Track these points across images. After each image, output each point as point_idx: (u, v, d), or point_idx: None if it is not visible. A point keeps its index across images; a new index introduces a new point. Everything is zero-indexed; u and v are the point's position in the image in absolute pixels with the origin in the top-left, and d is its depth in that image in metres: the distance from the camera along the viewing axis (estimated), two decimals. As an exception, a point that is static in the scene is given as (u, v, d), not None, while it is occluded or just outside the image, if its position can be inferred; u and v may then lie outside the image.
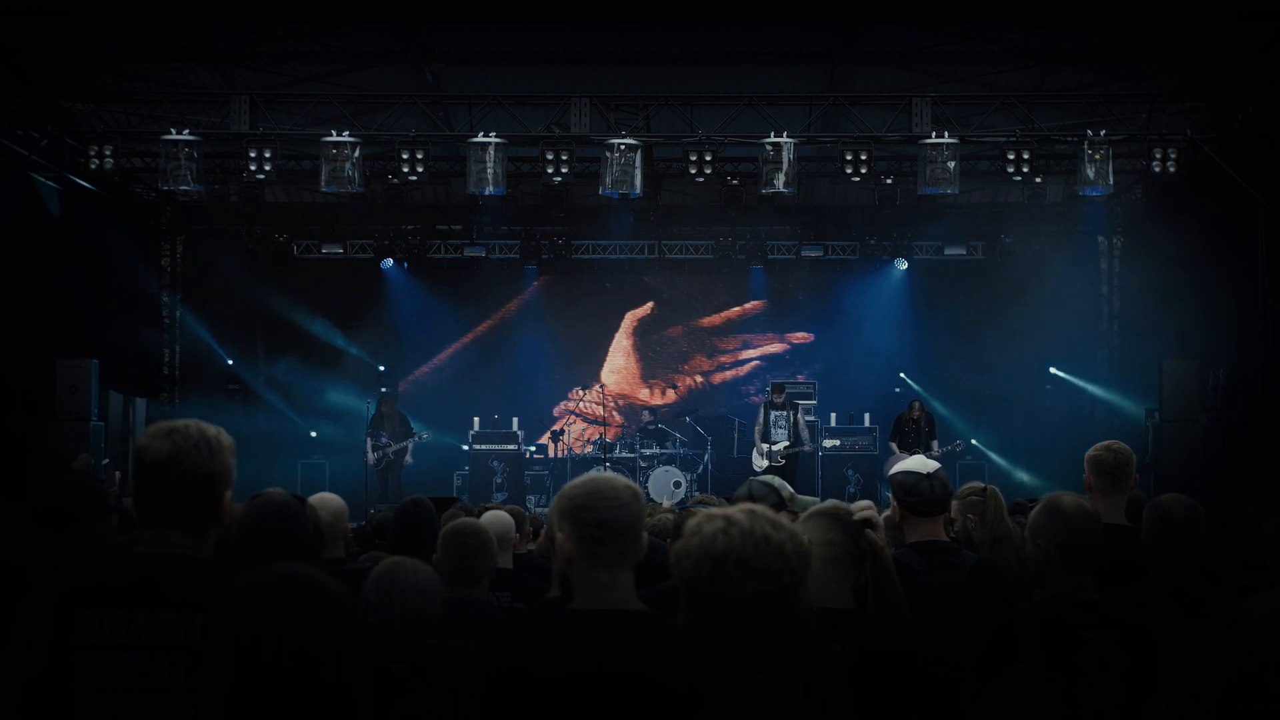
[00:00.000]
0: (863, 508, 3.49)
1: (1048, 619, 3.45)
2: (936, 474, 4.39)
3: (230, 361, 18.99)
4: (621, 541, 2.70)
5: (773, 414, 15.97)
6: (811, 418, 17.24)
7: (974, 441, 17.31)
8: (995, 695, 3.36)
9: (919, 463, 4.46)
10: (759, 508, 2.09)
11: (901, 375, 18.92)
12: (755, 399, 18.74)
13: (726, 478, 16.83)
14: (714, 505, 3.42)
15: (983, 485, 5.32)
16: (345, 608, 2.06)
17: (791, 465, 15.70)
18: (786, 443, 15.79)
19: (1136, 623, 3.49)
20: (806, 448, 15.90)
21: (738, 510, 2.07)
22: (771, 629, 1.98)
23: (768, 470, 15.79)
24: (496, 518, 5.49)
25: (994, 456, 17.88)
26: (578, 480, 2.81)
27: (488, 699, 2.69)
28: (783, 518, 2.11)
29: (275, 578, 2.08)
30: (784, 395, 16.15)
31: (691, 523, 2.08)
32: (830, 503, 3.61)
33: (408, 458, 16.23)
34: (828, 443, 16.77)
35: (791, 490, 4.57)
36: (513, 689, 2.66)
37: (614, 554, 2.69)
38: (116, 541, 3.73)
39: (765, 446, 15.87)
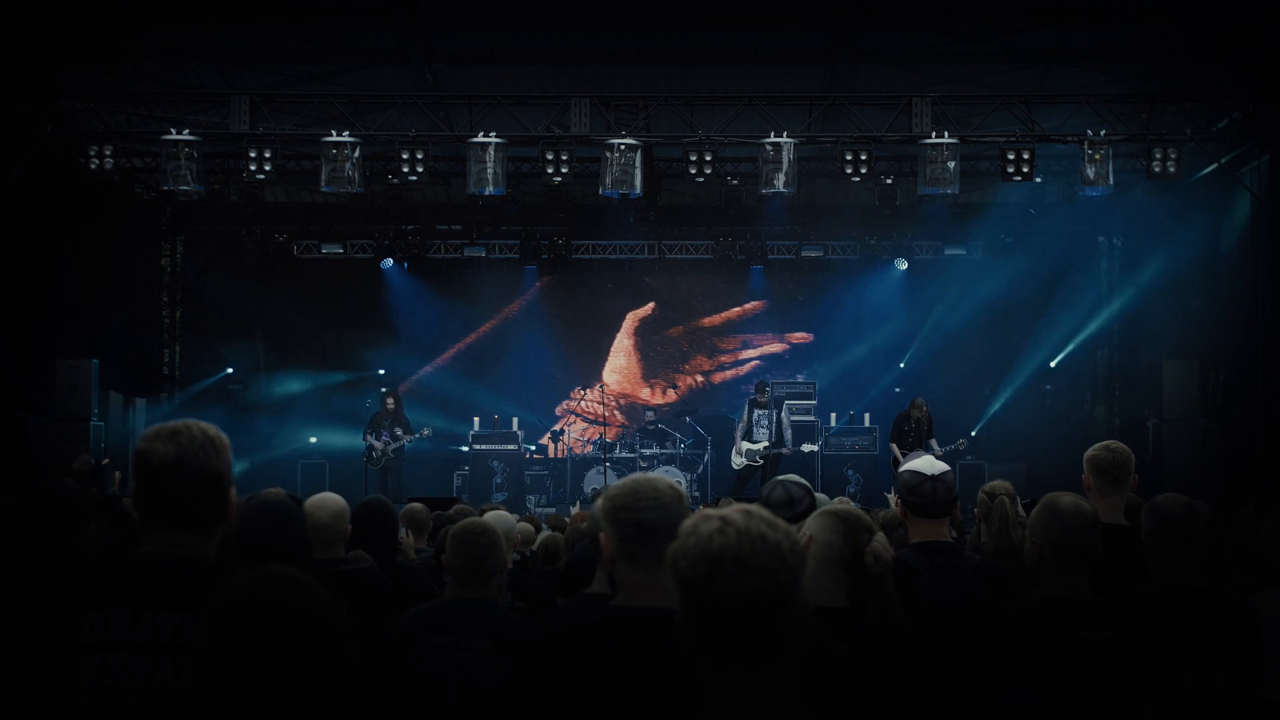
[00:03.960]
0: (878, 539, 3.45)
1: (1042, 618, 3.44)
2: (942, 477, 4.35)
3: (229, 367, 18.99)
4: (660, 542, 2.56)
5: (756, 413, 15.71)
6: (811, 418, 17.19)
7: (973, 434, 17.31)
8: (986, 694, 3.36)
9: (927, 464, 4.43)
10: (754, 507, 2.09)
11: (902, 365, 18.91)
12: (756, 399, 18.71)
13: (726, 478, 16.81)
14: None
15: (1001, 487, 5.26)
16: (331, 609, 2.07)
17: (772, 466, 15.27)
18: (767, 443, 15.52)
19: (1132, 623, 3.47)
20: (787, 450, 15.51)
21: (734, 510, 2.07)
22: (768, 627, 1.99)
23: (747, 469, 15.68)
24: (499, 517, 5.53)
25: (993, 455, 17.85)
26: (621, 480, 2.77)
27: (528, 699, 2.64)
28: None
29: (261, 579, 2.09)
30: (768, 395, 15.91)
31: (688, 522, 2.09)
32: (840, 502, 3.59)
33: (389, 451, 16.03)
34: (807, 447, 16.17)
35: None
36: (550, 687, 2.61)
37: (652, 555, 2.60)
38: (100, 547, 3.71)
39: (745, 445, 15.65)
